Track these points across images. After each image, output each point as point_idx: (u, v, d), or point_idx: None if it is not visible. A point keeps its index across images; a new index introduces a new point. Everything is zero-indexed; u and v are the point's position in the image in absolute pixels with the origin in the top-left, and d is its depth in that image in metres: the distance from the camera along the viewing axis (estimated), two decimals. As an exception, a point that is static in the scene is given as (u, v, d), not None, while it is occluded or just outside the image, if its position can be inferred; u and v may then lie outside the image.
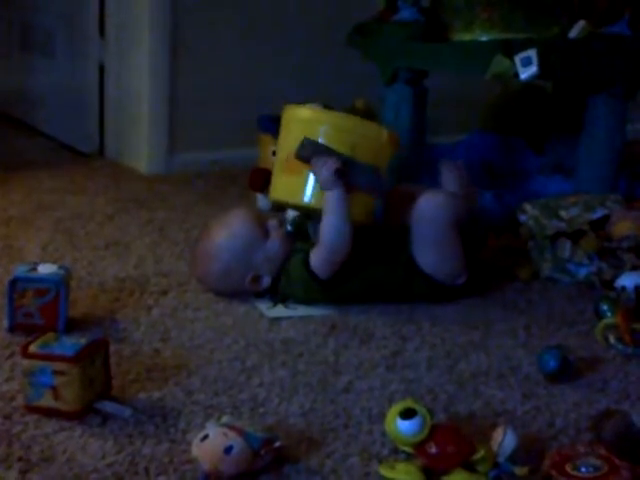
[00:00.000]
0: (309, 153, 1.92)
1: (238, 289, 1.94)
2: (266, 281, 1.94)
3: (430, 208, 1.93)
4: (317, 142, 1.93)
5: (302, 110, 2.02)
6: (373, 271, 1.93)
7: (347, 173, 1.89)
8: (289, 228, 2.02)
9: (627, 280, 1.90)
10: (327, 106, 2.41)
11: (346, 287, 1.92)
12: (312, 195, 1.94)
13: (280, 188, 2.02)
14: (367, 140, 1.97)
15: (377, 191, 1.96)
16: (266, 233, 1.95)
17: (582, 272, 2.11)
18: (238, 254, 1.93)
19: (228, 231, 1.94)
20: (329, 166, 1.87)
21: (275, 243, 1.94)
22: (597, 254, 2.09)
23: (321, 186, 1.90)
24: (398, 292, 1.95)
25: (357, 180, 1.92)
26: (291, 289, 1.93)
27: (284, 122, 2.04)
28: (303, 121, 1.99)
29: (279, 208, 2.46)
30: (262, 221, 1.96)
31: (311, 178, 1.93)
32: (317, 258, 1.89)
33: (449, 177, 2.08)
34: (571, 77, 2.53)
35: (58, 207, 2.52)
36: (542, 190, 2.46)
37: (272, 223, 1.96)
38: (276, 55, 3.07)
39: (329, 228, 1.88)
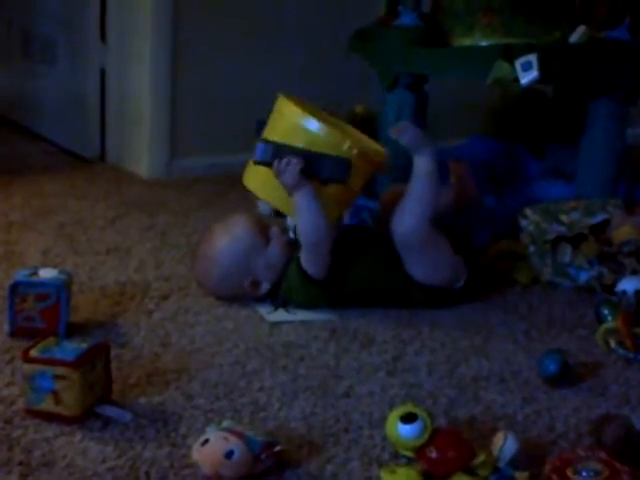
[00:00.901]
0: (268, 157, 1.90)
1: (237, 293, 1.94)
2: (265, 287, 1.94)
3: (400, 232, 1.90)
4: (274, 143, 1.91)
5: (290, 108, 1.98)
6: (371, 273, 1.93)
7: (311, 168, 1.87)
8: (291, 235, 2.02)
9: (628, 284, 1.90)
10: (326, 111, 2.41)
11: (344, 288, 1.92)
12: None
13: (254, 180, 2.01)
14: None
15: (343, 178, 1.91)
16: (267, 239, 1.95)
17: (583, 277, 2.11)
18: (238, 259, 1.93)
19: (229, 235, 1.95)
20: (292, 167, 1.86)
21: (275, 250, 1.94)
22: (597, 258, 2.10)
23: (287, 189, 1.89)
24: (398, 300, 1.94)
25: (322, 172, 1.89)
26: (291, 294, 1.94)
27: (274, 111, 2.03)
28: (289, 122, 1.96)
29: (280, 213, 2.47)
30: (264, 227, 1.97)
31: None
32: (304, 258, 1.90)
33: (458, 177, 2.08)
34: (571, 82, 2.53)
35: (59, 212, 2.52)
36: (542, 195, 2.46)
37: (274, 230, 1.96)
38: (277, 61, 3.07)
39: (305, 225, 1.88)
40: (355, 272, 1.93)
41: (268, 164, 1.91)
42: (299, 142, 1.91)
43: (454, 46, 2.45)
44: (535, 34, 2.39)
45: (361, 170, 1.95)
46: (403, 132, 1.93)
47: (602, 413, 1.52)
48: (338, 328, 1.85)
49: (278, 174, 1.88)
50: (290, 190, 1.89)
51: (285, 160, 1.87)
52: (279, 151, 1.90)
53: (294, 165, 1.86)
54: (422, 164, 1.91)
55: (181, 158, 3.00)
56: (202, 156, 3.01)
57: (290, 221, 2.32)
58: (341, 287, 1.92)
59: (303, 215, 1.89)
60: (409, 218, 1.89)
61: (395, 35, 2.48)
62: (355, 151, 1.92)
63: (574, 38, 2.36)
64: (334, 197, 1.94)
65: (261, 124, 2.67)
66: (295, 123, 1.94)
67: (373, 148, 2.04)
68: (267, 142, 1.93)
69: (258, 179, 2.00)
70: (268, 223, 2.02)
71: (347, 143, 1.92)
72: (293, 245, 1.96)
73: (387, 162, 2.01)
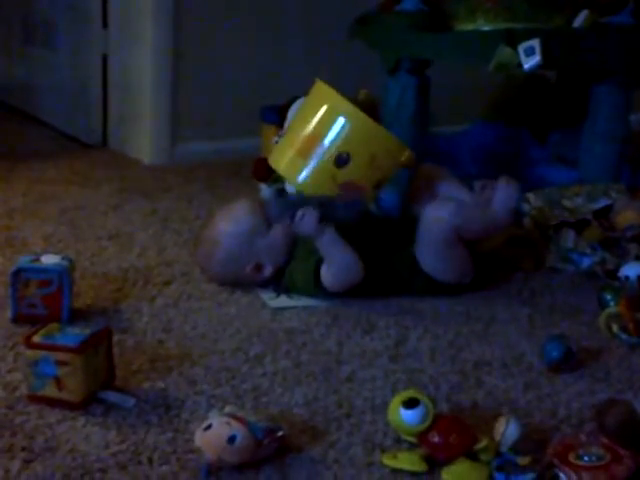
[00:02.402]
0: (282, 212, 1.93)
1: (240, 278, 1.94)
2: (268, 270, 1.94)
3: (434, 218, 1.91)
4: (286, 198, 2.00)
5: (335, 97, 2.02)
6: (376, 269, 1.93)
7: (328, 214, 1.89)
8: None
9: (630, 270, 1.90)
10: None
11: (350, 290, 1.92)
12: (305, 179, 1.98)
13: (282, 160, 2.05)
14: (387, 154, 1.99)
15: (355, 219, 1.95)
16: (269, 223, 1.95)
17: (585, 262, 2.10)
18: (241, 242, 1.93)
19: (231, 219, 1.95)
20: (309, 220, 1.86)
21: (278, 233, 1.94)
22: (600, 244, 2.09)
23: (311, 236, 1.88)
24: (400, 288, 1.94)
25: (338, 215, 1.92)
26: (296, 286, 1.93)
27: (312, 96, 2.06)
28: (331, 107, 2.00)
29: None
30: (265, 211, 1.96)
31: (311, 165, 1.96)
32: (330, 284, 1.88)
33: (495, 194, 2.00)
34: (574, 67, 2.53)
35: (61, 198, 2.52)
36: (545, 180, 2.46)
37: (274, 211, 1.96)
38: (279, 45, 3.07)
39: (336, 269, 1.87)
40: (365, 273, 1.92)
41: (281, 218, 1.94)
42: (362, 151, 1.97)
43: (456, 31, 2.44)
44: (538, 19, 2.39)
45: (398, 168, 2.02)
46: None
47: (605, 398, 1.51)
48: (340, 314, 1.85)
49: (297, 228, 1.89)
50: (313, 239, 1.89)
51: (300, 213, 1.87)
52: (292, 206, 1.92)
53: (310, 218, 1.86)
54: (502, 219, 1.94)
55: (183, 143, 3.00)
56: (204, 141, 3.01)
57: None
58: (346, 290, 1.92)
59: (331, 259, 1.88)
60: (449, 208, 1.91)
61: (397, 20, 2.47)
62: (406, 158, 1.99)
63: (577, 23, 2.35)
64: (337, 186, 1.98)
65: (267, 110, 2.68)
66: (322, 108, 2.01)
67: (398, 146, 2.03)
68: (280, 199, 2.00)
69: (279, 157, 2.05)
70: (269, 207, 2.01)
71: (406, 153, 1.99)
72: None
73: (411, 162, 2.03)
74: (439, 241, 1.91)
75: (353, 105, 2.01)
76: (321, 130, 2.00)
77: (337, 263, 1.88)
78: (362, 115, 2.00)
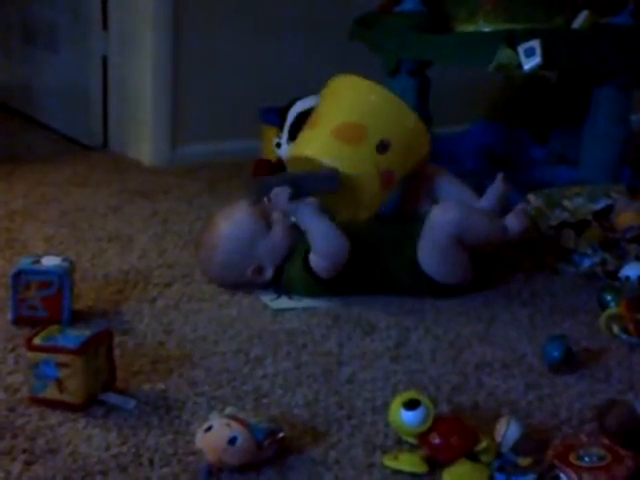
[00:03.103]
0: (259, 194, 1.93)
1: (241, 280, 1.94)
2: (269, 273, 1.94)
3: (439, 222, 1.91)
4: (261, 179, 2.01)
5: (358, 79, 2.05)
6: (375, 271, 1.93)
7: (301, 190, 1.90)
8: (292, 220, 2.02)
9: (631, 270, 1.90)
10: None
11: (347, 285, 1.92)
12: (347, 165, 1.96)
13: (319, 147, 2.01)
14: (419, 147, 2.04)
15: (334, 188, 1.94)
16: (269, 224, 1.95)
17: (586, 263, 2.10)
18: (241, 244, 1.93)
19: (231, 222, 1.95)
20: (282, 196, 1.89)
21: (278, 235, 1.94)
22: (601, 245, 2.09)
23: (289, 215, 1.92)
24: (401, 290, 1.94)
25: (312, 189, 1.93)
26: (292, 285, 1.93)
27: (333, 90, 2.08)
28: (357, 87, 2.03)
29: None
30: (265, 212, 1.96)
31: (363, 150, 1.97)
32: (317, 264, 1.89)
33: (495, 191, 2.08)
34: (575, 67, 2.53)
35: (62, 200, 2.52)
36: (546, 180, 2.46)
37: (276, 214, 1.96)
38: (279, 47, 3.07)
39: (317, 241, 1.88)
40: (361, 272, 1.92)
41: (259, 201, 1.95)
42: (362, 113, 2.00)
43: (457, 32, 2.44)
44: (538, 19, 2.39)
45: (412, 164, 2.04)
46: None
47: (605, 399, 1.51)
48: (341, 315, 1.85)
49: (274, 207, 1.92)
50: (291, 215, 1.92)
51: (272, 193, 1.90)
52: (265, 186, 1.93)
53: (282, 196, 1.89)
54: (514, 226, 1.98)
55: (184, 145, 3.00)
56: (205, 143, 3.01)
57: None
58: (344, 283, 1.92)
59: (311, 231, 1.89)
60: (457, 212, 1.91)
61: (397, 21, 2.47)
62: (414, 125, 2.02)
63: (577, 23, 2.35)
64: (381, 176, 1.98)
65: (267, 111, 2.68)
66: (360, 96, 2.03)
67: (421, 130, 2.07)
68: (254, 181, 2.01)
69: (314, 144, 2.03)
70: (269, 209, 2.01)
71: (412, 117, 2.02)
72: (295, 230, 1.96)
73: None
74: (443, 244, 1.90)
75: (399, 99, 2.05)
76: (365, 117, 2.00)
77: (318, 235, 1.88)
78: (407, 108, 2.04)
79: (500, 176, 2.10)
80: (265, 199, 1.93)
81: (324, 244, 1.88)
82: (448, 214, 1.91)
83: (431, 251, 1.92)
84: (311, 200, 1.91)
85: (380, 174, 1.98)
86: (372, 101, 2.02)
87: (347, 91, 2.07)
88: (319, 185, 1.94)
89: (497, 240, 1.99)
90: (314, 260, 1.89)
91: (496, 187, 2.08)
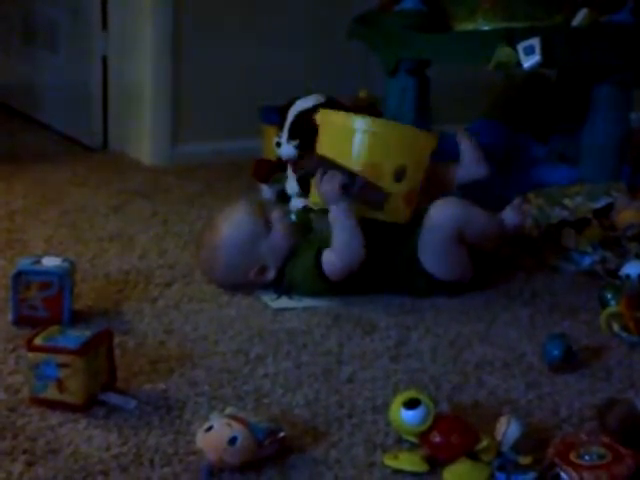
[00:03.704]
0: (321, 165, 1.92)
1: (243, 281, 1.94)
2: (271, 273, 1.94)
3: (439, 218, 1.91)
4: (325, 157, 1.94)
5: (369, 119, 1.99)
6: (376, 269, 1.93)
7: (352, 188, 1.88)
8: (293, 219, 2.02)
9: (631, 269, 1.90)
10: (330, 98, 2.41)
11: (349, 284, 1.92)
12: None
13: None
14: (425, 152, 2.00)
15: (379, 205, 1.93)
16: (269, 225, 1.95)
17: (586, 261, 2.10)
18: (242, 246, 1.93)
19: (231, 223, 1.94)
20: (334, 180, 1.87)
21: (278, 234, 1.94)
22: (601, 243, 2.09)
23: (325, 200, 1.90)
24: (401, 288, 1.95)
25: (361, 195, 1.90)
26: (296, 282, 1.93)
27: (334, 126, 2.01)
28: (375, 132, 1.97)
29: (283, 199, 2.47)
30: (265, 213, 1.96)
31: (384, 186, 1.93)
32: (331, 265, 1.88)
33: (466, 146, 2.12)
34: (574, 66, 2.53)
35: (62, 200, 2.52)
36: (546, 179, 2.46)
37: (275, 214, 1.96)
38: (279, 46, 3.06)
39: (341, 243, 1.87)
40: (365, 273, 1.92)
41: (311, 175, 1.93)
42: (370, 151, 1.94)
43: (456, 30, 2.44)
44: (537, 18, 2.38)
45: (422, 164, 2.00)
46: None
47: (605, 397, 1.51)
48: (341, 314, 1.85)
49: (319, 184, 1.89)
50: (328, 203, 1.89)
51: (330, 172, 1.88)
52: (326, 164, 1.91)
53: (337, 179, 1.87)
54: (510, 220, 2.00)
55: (184, 145, 3.00)
56: (205, 142, 3.01)
57: (293, 204, 2.32)
58: (346, 281, 1.92)
59: (338, 232, 1.88)
60: (456, 208, 1.91)
61: (397, 20, 2.47)
62: (416, 138, 2.00)
63: (577, 21, 2.35)
64: (403, 198, 1.95)
65: (267, 110, 2.68)
66: (360, 134, 1.95)
67: (424, 136, 2.04)
68: (320, 156, 1.95)
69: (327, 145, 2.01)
70: (269, 208, 2.01)
71: (412, 131, 2.02)
72: (295, 229, 1.96)
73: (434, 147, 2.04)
74: (444, 241, 1.91)
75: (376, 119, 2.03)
76: (374, 154, 1.94)
77: (344, 237, 1.87)
78: (393, 124, 2.04)
79: (460, 132, 2.16)
80: (318, 172, 1.90)
81: (346, 247, 1.87)
82: (447, 211, 1.92)
83: (432, 248, 1.92)
84: (351, 203, 1.89)
85: (403, 198, 1.96)
86: (375, 134, 1.95)
87: (344, 132, 1.98)
88: (369, 196, 1.91)
89: (495, 234, 2.00)
90: (330, 259, 1.88)
91: (464, 144, 2.13)
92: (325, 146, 2.01)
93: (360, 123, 1.96)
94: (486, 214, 1.97)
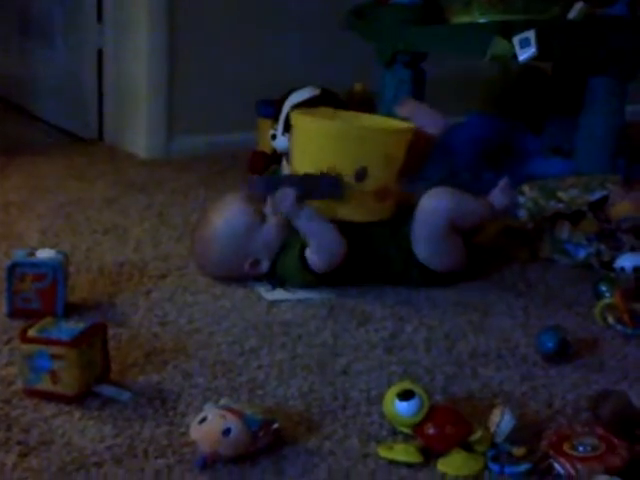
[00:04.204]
0: (261, 190, 1.93)
1: (237, 274, 1.94)
2: (265, 265, 1.94)
3: (430, 210, 1.91)
4: (268, 177, 1.99)
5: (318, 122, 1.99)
6: (369, 260, 1.93)
7: (306, 193, 1.88)
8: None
9: (626, 261, 1.90)
10: (325, 90, 2.41)
11: (342, 275, 1.92)
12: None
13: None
14: (396, 145, 1.97)
15: (338, 195, 1.91)
16: (262, 217, 1.94)
17: (581, 253, 2.11)
18: (235, 239, 1.92)
19: (224, 217, 1.94)
20: (287, 198, 1.87)
21: (271, 227, 1.94)
22: (596, 235, 2.09)
23: (288, 217, 1.90)
24: (395, 279, 1.95)
25: (318, 194, 1.91)
26: (286, 275, 1.93)
27: (300, 130, 2.00)
28: (320, 134, 1.95)
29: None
30: (258, 205, 1.96)
31: None
32: (314, 262, 1.89)
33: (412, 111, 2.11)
34: (570, 58, 2.53)
35: (57, 192, 2.52)
36: (541, 171, 2.46)
37: (268, 207, 1.96)
38: (275, 38, 3.06)
39: (316, 244, 1.88)
40: (353, 259, 1.92)
41: (263, 196, 1.93)
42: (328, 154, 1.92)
43: (452, 23, 2.44)
44: (533, 10, 2.38)
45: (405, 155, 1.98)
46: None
47: (600, 389, 1.52)
48: (336, 306, 1.85)
49: (275, 207, 1.90)
50: (290, 218, 1.90)
51: (279, 192, 1.88)
52: (272, 183, 1.93)
53: (288, 195, 1.87)
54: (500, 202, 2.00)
55: (179, 137, 2.99)
56: (200, 135, 3.01)
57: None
58: (338, 273, 1.92)
59: (311, 235, 1.89)
60: (447, 197, 1.92)
61: (392, 12, 2.47)
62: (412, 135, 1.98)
63: (572, 14, 2.35)
64: (372, 196, 1.94)
65: (262, 104, 2.68)
66: (320, 138, 1.94)
67: (399, 133, 2.02)
68: (259, 177, 1.98)
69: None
70: (262, 200, 2.01)
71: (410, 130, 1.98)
72: (288, 220, 1.96)
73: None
74: (436, 232, 1.91)
75: (334, 122, 2.01)
76: (330, 159, 1.92)
77: (317, 239, 1.88)
78: (351, 127, 1.99)
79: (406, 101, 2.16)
80: (269, 198, 1.91)
81: (322, 246, 1.88)
82: (438, 202, 1.92)
83: (425, 240, 1.92)
84: (309, 207, 1.89)
85: (373, 195, 1.94)
86: (330, 137, 1.92)
87: (306, 135, 1.97)
88: (324, 190, 1.91)
89: (485, 218, 2.00)
90: (311, 258, 1.90)
91: (408, 112, 2.11)
92: (295, 149, 2.02)
93: (318, 127, 1.96)
94: (475, 200, 1.98)
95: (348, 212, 1.93)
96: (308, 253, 1.90)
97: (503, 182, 2.02)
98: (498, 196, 2.00)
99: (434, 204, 1.92)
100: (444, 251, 1.94)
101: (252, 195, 1.94)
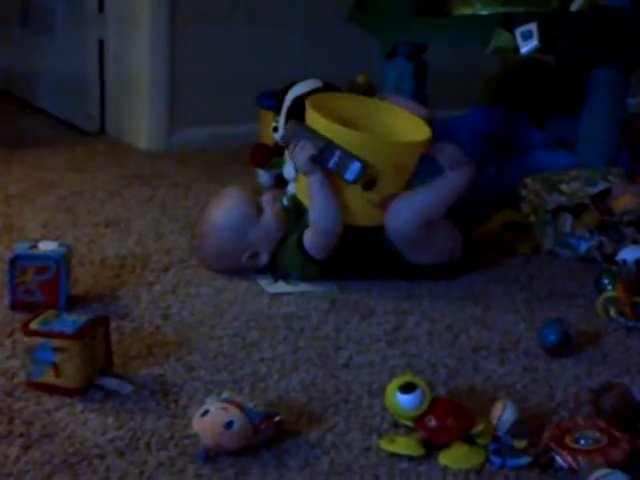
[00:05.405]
0: (289, 137, 1.90)
1: (237, 267, 1.94)
2: (264, 258, 1.94)
3: (396, 229, 1.88)
4: (300, 125, 1.90)
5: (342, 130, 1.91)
6: (367, 254, 1.93)
7: (322, 159, 1.84)
8: (285, 203, 2.00)
9: (628, 254, 1.90)
10: (328, 84, 2.40)
11: (341, 268, 1.92)
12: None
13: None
14: (408, 156, 1.91)
15: (352, 180, 1.85)
16: (260, 209, 1.94)
17: (583, 246, 2.10)
18: (233, 232, 1.92)
19: (222, 209, 1.94)
20: (304, 152, 1.84)
21: (269, 219, 1.94)
22: (598, 228, 2.09)
23: (298, 170, 1.89)
24: (392, 272, 1.95)
25: (336, 167, 1.84)
26: (288, 268, 1.93)
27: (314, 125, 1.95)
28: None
29: (280, 184, 2.46)
30: (256, 197, 1.96)
31: (351, 194, 1.88)
32: (310, 241, 1.89)
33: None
34: (572, 50, 2.52)
35: (59, 185, 2.52)
36: (543, 164, 2.45)
37: (265, 198, 1.96)
38: (277, 30, 3.05)
39: (316, 213, 1.87)
40: (352, 251, 1.91)
41: (288, 141, 1.90)
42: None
43: (454, 15, 2.43)
44: (535, 2, 2.37)
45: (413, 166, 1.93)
46: (441, 152, 1.92)
47: (602, 382, 1.52)
48: (338, 299, 1.85)
49: (291, 155, 1.89)
50: (301, 171, 1.88)
51: (300, 144, 1.86)
52: (300, 133, 1.88)
53: (305, 150, 1.84)
54: (457, 177, 1.90)
55: (181, 130, 2.99)
56: (202, 127, 3.00)
57: (290, 189, 2.31)
58: (338, 265, 1.92)
59: (313, 202, 1.88)
60: (407, 215, 1.87)
61: (394, 4, 2.46)
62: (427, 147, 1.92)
63: (575, 6, 2.34)
64: (378, 204, 1.90)
65: (264, 96, 2.68)
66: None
67: (412, 145, 1.95)
68: (294, 123, 1.91)
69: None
70: (260, 192, 2.01)
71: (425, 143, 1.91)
72: (287, 212, 1.95)
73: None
74: (411, 242, 1.90)
75: (356, 132, 1.91)
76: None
77: (318, 206, 1.86)
78: (361, 136, 1.90)
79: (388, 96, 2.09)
80: (291, 144, 1.88)
81: (322, 218, 1.87)
82: (399, 219, 1.87)
83: (406, 251, 1.91)
84: (322, 173, 1.85)
85: (378, 204, 1.91)
86: (343, 142, 1.86)
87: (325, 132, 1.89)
88: (343, 168, 1.85)
89: (456, 196, 1.91)
90: (308, 236, 1.89)
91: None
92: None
93: (333, 129, 1.88)
94: (434, 191, 1.90)
95: (350, 216, 1.91)
96: (305, 234, 1.89)
97: (449, 152, 1.93)
98: (445, 159, 1.91)
99: (396, 224, 1.88)
100: (430, 250, 1.92)
101: (252, 187, 1.91)
